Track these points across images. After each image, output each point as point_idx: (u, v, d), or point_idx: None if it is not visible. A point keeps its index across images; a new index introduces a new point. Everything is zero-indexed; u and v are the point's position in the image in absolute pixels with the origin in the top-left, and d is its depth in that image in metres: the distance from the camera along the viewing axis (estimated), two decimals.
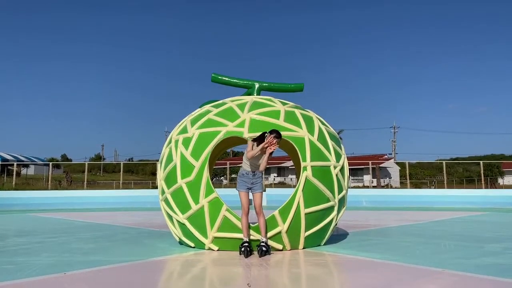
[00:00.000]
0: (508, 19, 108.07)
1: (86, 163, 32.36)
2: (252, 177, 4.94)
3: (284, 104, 5.84)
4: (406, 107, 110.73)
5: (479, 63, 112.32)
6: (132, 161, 71.28)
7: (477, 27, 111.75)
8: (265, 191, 5.36)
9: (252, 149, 4.85)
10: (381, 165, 45.10)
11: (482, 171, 26.19)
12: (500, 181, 46.36)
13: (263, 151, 4.84)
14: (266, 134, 4.81)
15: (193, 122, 5.57)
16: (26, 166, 47.26)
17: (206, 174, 5.11)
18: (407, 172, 25.15)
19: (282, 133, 5.24)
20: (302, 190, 5.09)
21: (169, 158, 5.54)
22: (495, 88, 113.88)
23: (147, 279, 3.79)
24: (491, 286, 3.50)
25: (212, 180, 5.41)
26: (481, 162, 27.25)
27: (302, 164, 5.19)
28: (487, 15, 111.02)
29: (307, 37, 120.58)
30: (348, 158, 6.10)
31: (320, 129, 5.62)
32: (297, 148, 5.25)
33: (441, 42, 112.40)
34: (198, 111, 5.89)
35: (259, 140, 4.86)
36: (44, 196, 19.28)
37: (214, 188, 5.13)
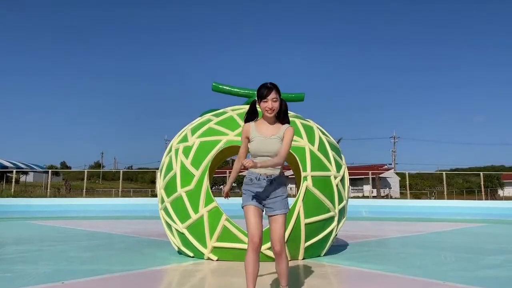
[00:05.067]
0: (507, 23, 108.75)
1: (86, 170, 32.26)
2: (268, 186, 3.19)
3: None
4: (406, 117, 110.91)
5: (480, 71, 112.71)
6: (132, 169, 71.11)
7: (477, 33, 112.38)
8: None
9: (249, 139, 3.24)
10: (381, 175, 45.03)
11: (482, 182, 26.12)
12: (500, 192, 46.25)
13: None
14: (257, 103, 3.32)
15: (194, 131, 5.57)
16: (25, 173, 47.11)
17: (206, 183, 5.10)
18: (407, 182, 25.08)
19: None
20: (302, 200, 5.07)
21: (169, 167, 5.52)
22: (495, 99, 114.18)
23: None
24: None
25: (212, 189, 5.38)
26: (481, 173, 27.19)
27: (302, 174, 5.17)
28: (487, 15, 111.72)
29: (305, 47, 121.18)
30: (348, 168, 6.09)
31: (320, 139, 5.61)
32: (297, 158, 5.24)
33: (442, 52, 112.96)
34: (198, 120, 5.89)
35: (251, 115, 3.35)
36: (43, 203, 19.18)
37: (214, 197, 5.11)
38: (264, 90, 3.21)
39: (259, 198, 3.21)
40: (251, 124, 3.31)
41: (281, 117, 3.30)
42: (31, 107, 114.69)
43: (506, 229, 11.03)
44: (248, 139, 3.26)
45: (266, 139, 3.19)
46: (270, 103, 3.19)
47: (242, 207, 3.25)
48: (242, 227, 5.02)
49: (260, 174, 3.19)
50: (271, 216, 3.21)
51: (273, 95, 3.19)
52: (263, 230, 3.23)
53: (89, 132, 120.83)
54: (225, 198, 3.72)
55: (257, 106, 3.34)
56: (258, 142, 3.19)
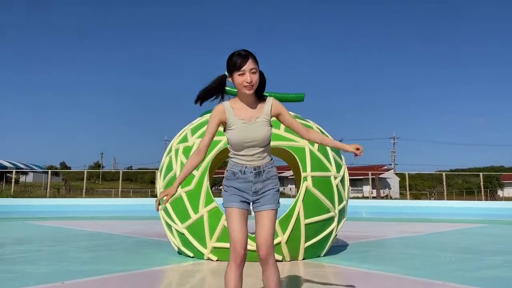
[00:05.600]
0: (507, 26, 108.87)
1: (85, 171, 32.28)
2: (256, 179, 2.59)
3: None
4: (405, 118, 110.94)
5: (479, 73, 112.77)
6: (131, 169, 71.13)
7: (476, 35, 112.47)
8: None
9: (226, 126, 2.65)
10: (381, 176, 45.03)
11: (482, 183, 26.14)
12: (499, 193, 46.28)
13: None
14: (227, 77, 2.60)
15: (194, 131, 5.57)
16: (25, 173, 47.10)
17: (206, 183, 5.10)
18: (407, 183, 25.10)
19: (282, 143, 5.21)
20: (302, 201, 5.07)
21: (169, 167, 5.53)
22: (494, 99, 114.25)
23: None
24: None
25: (211, 189, 5.39)
26: (480, 173, 27.22)
27: (302, 174, 5.18)
28: (487, 18, 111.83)
29: (305, 47, 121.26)
30: (348, 169, 6.08)
31: None
32: (297, 158, 5.24)
33: (441, 52, 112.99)
34: (198, 120, 5.89)
35: (216, 91, 2.66)
36: (43, 204, 19.17)
37: (214, 197, 5.11)
38: (238, 59, 2.48)
39: (245, 196, 2.58)
40: (226, 105, 2.59)
41: (258, 93, 2.60)
42: (31, 107, 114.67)
43: (506, 230, 11.04)
44: (223, 125, 2.62)
45: (250, 124, 2.54)
46: (248, 76, 2.47)
47: (224, 207, 2.62)
48: None
49: (246, 166, 2.56)
50: (258, 212, 2.58)
51: (251, 64, 2.48)
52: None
53: (88, 132, 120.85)
54: (156, 209, 2.67)
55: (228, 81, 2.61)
56: (240, 129, 2.54)
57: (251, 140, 2.55)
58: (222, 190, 2.67)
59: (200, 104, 2.69)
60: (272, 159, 2.68)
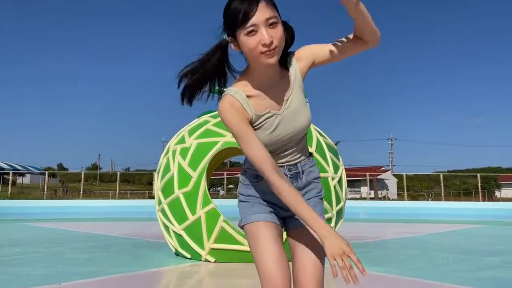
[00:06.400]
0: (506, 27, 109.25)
1: (83, 172, 32.27)
2: (291, 181, 1.69)
3: None
4: (403, 119, 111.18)
5: (478, 73, 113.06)
6: (129, 170, 71.01)
7: (476, 35, 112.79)
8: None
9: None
10: (378, 177, 45.08)
11: (479, 184, 26.21)
12: (497, 193, 46.41)
13: None
14: (231, 45, 1.57)
15: (191, 132, 5.56)
16: (22, 175, 47.00)
17: (203, 184, 5.09)
18: (405, 184, 25.15)
19: None
20: None
21: (166, 168, 5.51)
22: (493, 100, 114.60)
23: None
24: None
25: (209, 190, 5.37)
26: (478, 174, 27.30)
27: None
28: (486, 19, 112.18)
29: None
30: (346, 170, 6.08)
31: (318, 140, 5.61)
32: None
33: (441, 52, 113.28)
34: (196, 121, 5.88)
35: (211, 73, 1.65)
36: (40, 205, 19.15)
37: (212, 198, 5.09)
38: (242, 6, 1.45)
39: (275, 208, 1.71)
40: (239, 95, 1.57)
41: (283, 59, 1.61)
42: (28, 109, 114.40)
43: (504, 230, 11.06)
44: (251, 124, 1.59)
45: (279, 114, 1.60)
46: (264, 33, 1.45)
47: (242, 227, 1.71)
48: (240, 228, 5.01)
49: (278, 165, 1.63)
50: (295, 229, 1.71)
51: (265, 11, 1.45)
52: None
53: (86, 133, 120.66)
54: None
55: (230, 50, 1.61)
56: (267, 128, 1.60)
57: (285, 134, 1.62)
58: (238, 202, 1.78)
59: (190, 104, 1.67)
60: (311, 153, 1.81)
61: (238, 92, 1.59)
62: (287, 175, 1.69)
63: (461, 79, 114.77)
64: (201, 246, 5.09)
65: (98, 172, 62.80)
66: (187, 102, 1.68)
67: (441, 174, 28.64)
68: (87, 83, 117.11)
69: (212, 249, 5.05)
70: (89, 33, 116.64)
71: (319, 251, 1.66)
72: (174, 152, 5.52)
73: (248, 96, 1.60)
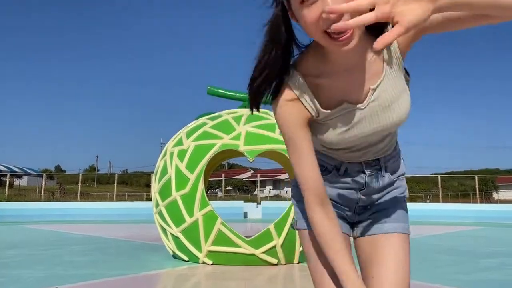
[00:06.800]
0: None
1: (80, 174, 32.20)
2: (370, 182, 1.30)
3: None
4: None
5: (478, 72, 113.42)
6: (127, 172, 70.92)
7: (474, 33, 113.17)
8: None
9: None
10: None
11: (477, 186, 26.25)
12: (495, 195, 46.48)
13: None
14: (291, 17, 1.11)
15: (189, 135, 5.56)
16: (19, 177, 46.85)
17: (201, 186, 5.08)
18: None
19: (277, 146, 5.21)
20: None
21: (164, 171, 5.51)
22: (491, 101, 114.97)
23: None
24: None
25: (207, 192, 5.37)
26: (476, 176, 27.34)
27: None
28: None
29: None
30: None
31: None
32: None
33: (438, 52, 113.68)
34: (193, 124, 5.88)
35: (278, 59, 1.11)
36: (37, 207, 19.09)
37: (209, 200, 5.09)
38: None
39: (345, 212, 1.38)
40: (295, 82, 1.15)
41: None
42: (25, 111, 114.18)
43: (501, 232, 11.07)
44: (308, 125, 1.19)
45: (361, 110, 1.16)
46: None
47: (299, 227, 1.37)
48: (237, 231, 5.01)
49: (349, 162, 1.32)
50: (374, 236, 1.33)
51: None
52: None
53: (83, 135, 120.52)
54: None
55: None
56: (349, 124, 1.18)
57: (367, 134, 1.19)
58: (293, 206, 1.43)
59: (258, 110, 1.27)
60: (397, 142, 1.38)
61: (297, 80, 1.14)
62: (365, 173, 1.30)
63: (461, 79, 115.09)
64: (199, 248, 5.08)
65: (95, 174, 62.69)
66: (256, 111, 1.28)
67: (439, 176, 28.65)
68: (85, 85, 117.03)
69: (210, 251, 5.04)
70: (88, 35, 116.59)
71: (402, 260, 1.26)
72: (171, 154, 5.52)
73: (313, 84, 1.15)
